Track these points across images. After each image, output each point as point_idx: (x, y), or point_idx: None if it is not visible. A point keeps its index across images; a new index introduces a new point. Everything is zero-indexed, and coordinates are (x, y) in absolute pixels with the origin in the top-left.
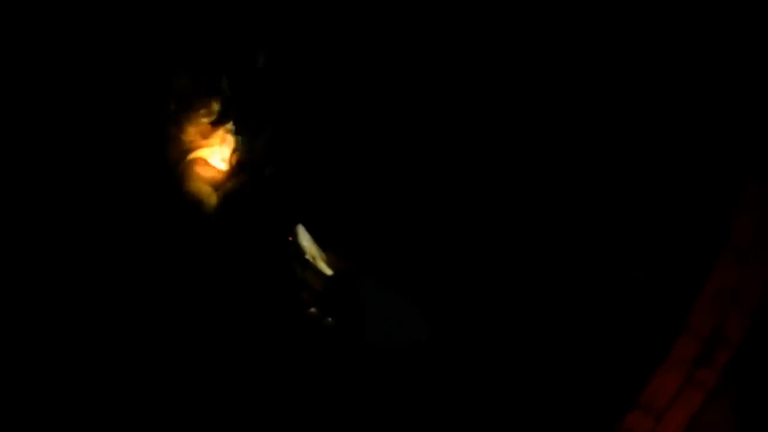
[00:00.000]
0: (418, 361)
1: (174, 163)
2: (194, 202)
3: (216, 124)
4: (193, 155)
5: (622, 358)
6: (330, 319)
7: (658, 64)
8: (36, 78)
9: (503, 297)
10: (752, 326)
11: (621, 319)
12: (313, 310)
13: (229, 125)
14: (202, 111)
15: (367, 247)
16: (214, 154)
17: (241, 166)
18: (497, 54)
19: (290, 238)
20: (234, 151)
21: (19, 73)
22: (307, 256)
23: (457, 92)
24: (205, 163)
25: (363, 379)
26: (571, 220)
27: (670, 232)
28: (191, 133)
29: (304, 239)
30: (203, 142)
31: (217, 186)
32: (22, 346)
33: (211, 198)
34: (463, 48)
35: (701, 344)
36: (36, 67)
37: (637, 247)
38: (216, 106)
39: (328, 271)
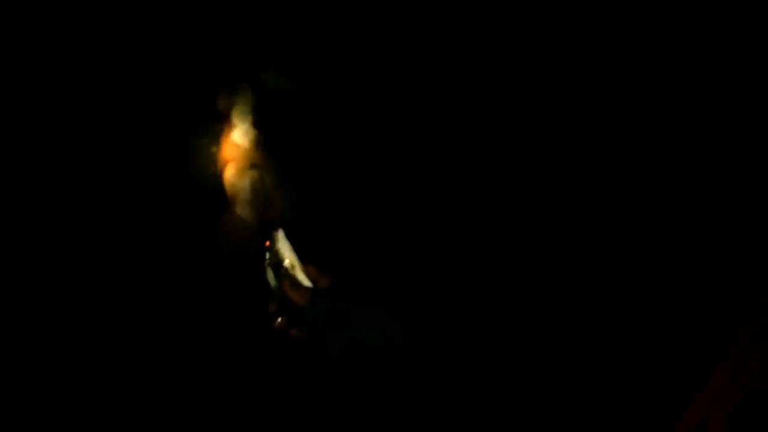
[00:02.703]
0: (396, 363)
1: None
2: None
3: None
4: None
5: None
6: (298, 330)
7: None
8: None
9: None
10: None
11: (612, 418)
12: (280, 320)
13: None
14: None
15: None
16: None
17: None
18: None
19: (267, 243)
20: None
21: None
22: (286, 264)
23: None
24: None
25: (337, 386)
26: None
27: (665, 345)
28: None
29: (283, 246)
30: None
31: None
32: (22, 346)
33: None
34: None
35: None
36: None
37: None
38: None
39: (307, 282)
